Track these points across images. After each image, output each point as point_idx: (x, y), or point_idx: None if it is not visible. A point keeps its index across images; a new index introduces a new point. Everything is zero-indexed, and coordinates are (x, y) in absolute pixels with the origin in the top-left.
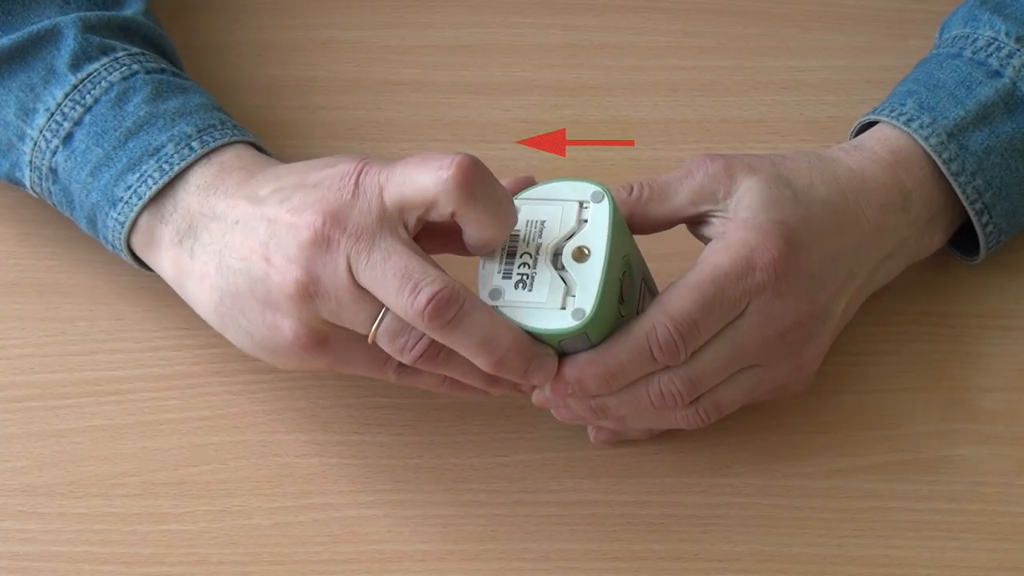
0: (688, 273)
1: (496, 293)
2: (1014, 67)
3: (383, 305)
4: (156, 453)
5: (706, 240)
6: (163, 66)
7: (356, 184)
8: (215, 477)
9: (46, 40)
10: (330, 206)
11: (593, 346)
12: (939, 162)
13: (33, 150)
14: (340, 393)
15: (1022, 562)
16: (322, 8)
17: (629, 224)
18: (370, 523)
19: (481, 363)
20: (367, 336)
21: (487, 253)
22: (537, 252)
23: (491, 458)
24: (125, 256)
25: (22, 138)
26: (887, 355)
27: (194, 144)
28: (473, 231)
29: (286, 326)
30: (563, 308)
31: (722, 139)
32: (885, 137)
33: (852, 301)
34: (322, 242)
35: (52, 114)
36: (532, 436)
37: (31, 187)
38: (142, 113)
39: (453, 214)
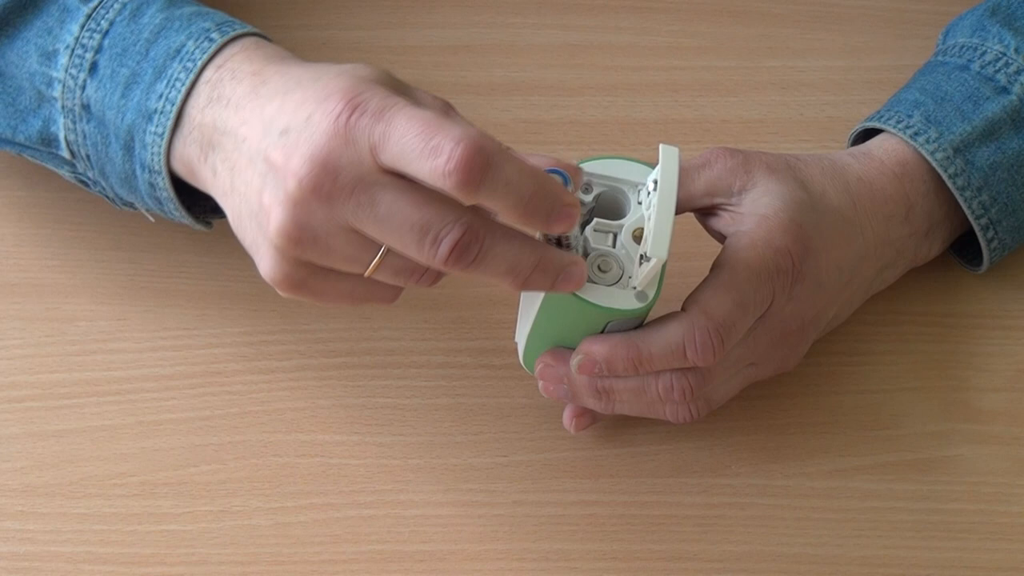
0: (719, 272)
1: None
2: (1022, 84)
3: (381, 246)
4: (156, 453)
5: (713, 231)
6: None
7: (346, 128)
8: (215, 477)
9: None
10: (319, 154)
11: (636, 327)
12: (945, 177)
13: (63, 92)
14: (340, 393)
15: (1022, 562)
16: (322, 8)
17: None
18: (370, 523)
19: (507, 287)
20: (353, 272)
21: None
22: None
23: (491, 458)
24: (164, 179)
25: (50, 84)
26: (887, 355)
27: (213, 35)
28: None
29: (264, 265)
30: (623, 288)
31: (722, 139)
32: (893, 148)
33: (843, 308)
34: (313, 193)
35: (72, 50)
36: (532, 436)
37: (66, 141)
38: (158, 20)
39: None
